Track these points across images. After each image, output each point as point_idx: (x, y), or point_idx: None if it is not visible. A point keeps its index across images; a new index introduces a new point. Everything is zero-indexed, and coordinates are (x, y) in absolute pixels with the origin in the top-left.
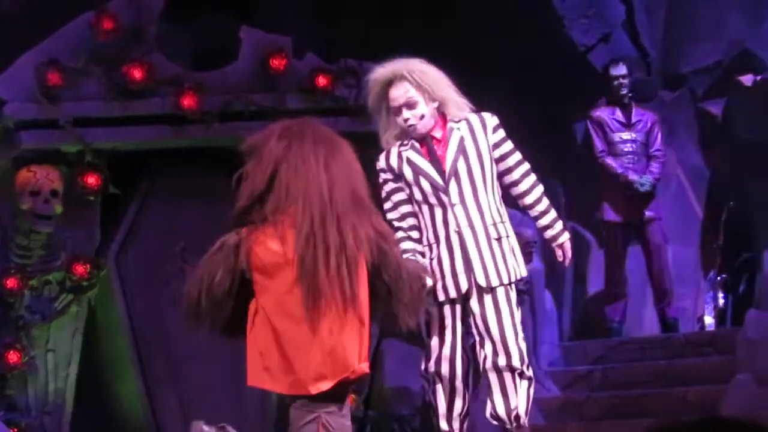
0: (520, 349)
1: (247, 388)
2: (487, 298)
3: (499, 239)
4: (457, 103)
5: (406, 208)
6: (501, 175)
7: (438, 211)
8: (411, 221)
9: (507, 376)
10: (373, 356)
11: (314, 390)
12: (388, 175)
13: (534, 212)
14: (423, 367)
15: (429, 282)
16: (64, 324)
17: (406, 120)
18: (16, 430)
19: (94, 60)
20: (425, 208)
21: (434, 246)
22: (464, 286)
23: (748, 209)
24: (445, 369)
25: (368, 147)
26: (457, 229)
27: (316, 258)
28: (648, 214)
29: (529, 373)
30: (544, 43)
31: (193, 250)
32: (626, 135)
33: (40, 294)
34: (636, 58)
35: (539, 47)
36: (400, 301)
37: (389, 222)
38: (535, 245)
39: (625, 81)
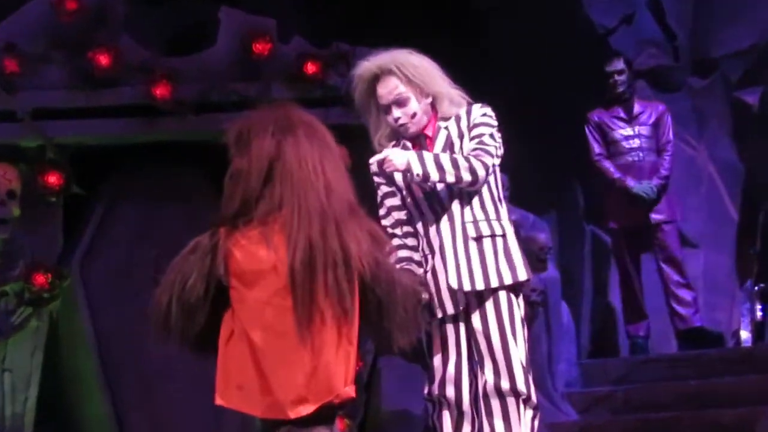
0: (525, 372)
1: (226, 411)
2: (488, 311)
3: (478, 238)
4: (451, 98)
5: (400, 214)
6: None
7: (431, 218)
8: (406, 228)
9: (511, 402)
10: (369, 376)
11: (293, 414)
12: (381, 179)
13: None
14: (426, 390)
15: (425, 296)
16: (22, 340)
17: (396, 119)
18: None
19: (55, 45)
20: (418, 215)
21: (429, 257)
22: (463, 302)
23: None
24: (450, 391)
25: (363, 140)
26: (448, 236)
27: (315, 270)
28: (655, 218)
29: (535, 400)
30: (560, 25)
31: (167, 257)
32: (629, 131)
33: None
34: (662, 41)
35: (554, 29)
36: (392, 320)
37: (383, 228)
38: (549, 251)
39: (622, 77)
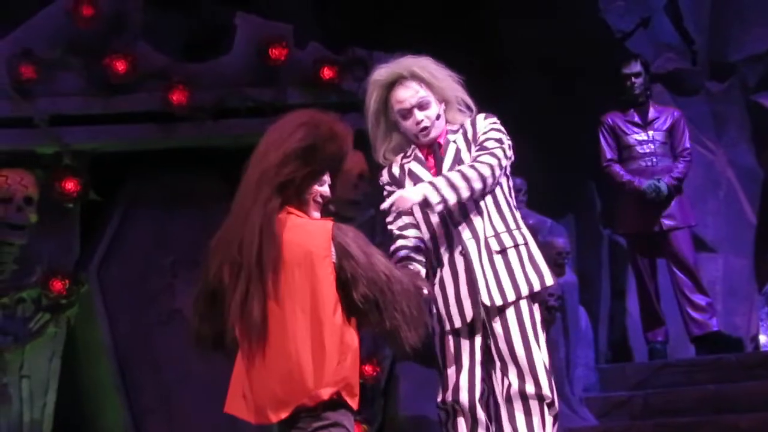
0: (549, 376)
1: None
2: (509, 317)
3: (503, 251)
4: (460, 106)
5: (408, 219)
6: None
7: (441, 230)
8: (413, 231)
9: (534, 405)
10: (386, 382)
11: (275, 418)
12: (393, 188)
13: None
14: (440, 398)
15: (426, 291)
16: (40, 347)
17: (419, 122)
18: None
19: (72, 51)
20: (427, 227)
21: (438, 270)
22: (469, 314)
23: None
24: (464, 398)
25: None
26: (461, 250)
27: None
28: (667, 223)
29: (557, 407)
30: (577, 29)
31: (184, 263)
32: (642, 136)
33: (13, 313)
34: (679, 45)
35: (570, 33)
36: (394, 318)
37: (390, 233)
38: (567, 255)
39: (639, 80)
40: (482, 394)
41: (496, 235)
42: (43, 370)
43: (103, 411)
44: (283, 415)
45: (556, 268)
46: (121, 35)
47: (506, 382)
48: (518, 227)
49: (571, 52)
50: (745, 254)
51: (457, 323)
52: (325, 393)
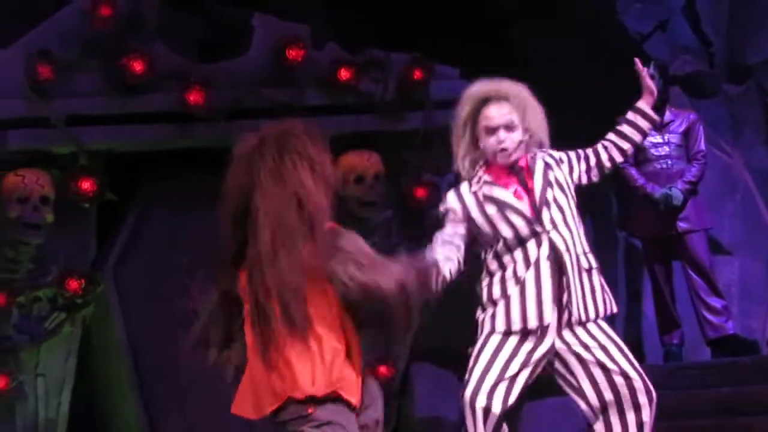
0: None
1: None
2: (593, 329)
3: (589, 270)
4: (541, 141)
5: (461, 229)
6: (589, 174)
7: (530, 242)
8: (458, 241)
9: (645, 412)
10: (401, 382)
11: (269, 408)
12: (457, 215)
13: (631, 134)
14: (463, 396)
15: (433, 272)
16: (55, 346)
17: (501, 141)
18: None
19: (89, 51)
20: (514, 242)
21: (513, 268)
22: (548, 318)
23: None
24: (496, 407)
25: (397, 148)
26: (551, 256)
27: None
28: (682, 226)
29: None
30: (594, 31)
31: (199, 263)
32: (658, 138)
33: (29, 312)
34: (697, 48)
35: (588, 35)
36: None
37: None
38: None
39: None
40: (505, 397)
41: (585, 254)
42: (58, 368)
43: (119, 410)
44: (276, 404)
45: None
46: (138, 36)
47: (612, 391)
48: (590, 252)
49: (587, 55)
50: (762, 257)
51: (531, 324)
52: (318, 390)
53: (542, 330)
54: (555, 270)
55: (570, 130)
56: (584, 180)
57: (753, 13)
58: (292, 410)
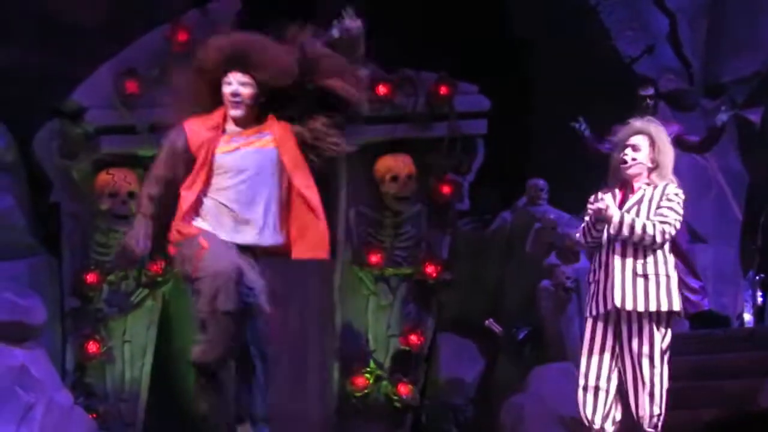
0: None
1: (309, 375)
2: (636, 326)
3: (645, 276)
4: (665, 174)
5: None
6: None
7: (611, 245)
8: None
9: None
10: (429, 349)
11: None
12: (596, 204)
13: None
14: (580, 379)
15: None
16: (139, 317)
17: (625, 155)
18: (94, 415)
19: (168, 69)
20: (604, 239)
21: (602, 256)
22: (609, 304)
23: None
24: (599, 380)
25: (426, 152)
26: (618, 256)
27: None
28: None
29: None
30: (591, 54)
31: None
32: None
33: (118, 288)
34: (679, 68)
35: (586, 58)
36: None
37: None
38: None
39: (652, 101)
40: (618, 377)
41: (644, 264)
42: (142, 336)
43: (192, 373)
44: None
45: (572, 255)
46: None
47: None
48: (656, 262)
49: (589, 73)
50: (732, 245)
51: (601, 308)
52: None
53: (615, 313)
54: (623, 266)
55: (568, 137)
56: None
57: (725, 40)
58: None
